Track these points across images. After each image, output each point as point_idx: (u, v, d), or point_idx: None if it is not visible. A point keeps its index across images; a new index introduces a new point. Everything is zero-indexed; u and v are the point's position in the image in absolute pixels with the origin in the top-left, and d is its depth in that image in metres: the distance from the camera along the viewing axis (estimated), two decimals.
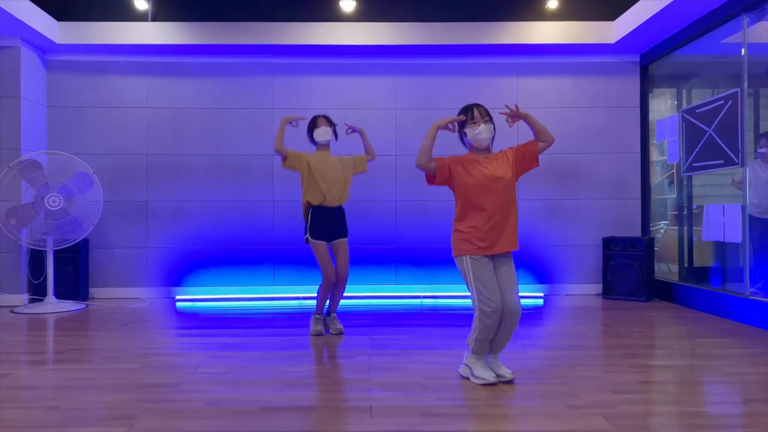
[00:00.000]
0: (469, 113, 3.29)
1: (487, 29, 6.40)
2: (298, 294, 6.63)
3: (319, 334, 4.52)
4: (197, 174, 6.69)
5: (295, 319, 5.31)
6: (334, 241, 4.55)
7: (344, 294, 4.80)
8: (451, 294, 6.58)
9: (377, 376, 3.37)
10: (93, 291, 6.56)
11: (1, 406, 2.86)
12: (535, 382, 3.25)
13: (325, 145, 4.66)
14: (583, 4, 6.45)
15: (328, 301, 4.65)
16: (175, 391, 3.08)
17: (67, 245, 5.90)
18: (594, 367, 3.57)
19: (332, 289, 4.56)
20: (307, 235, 4.51)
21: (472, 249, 3.22)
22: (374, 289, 6.63)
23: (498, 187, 3.24)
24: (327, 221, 4.51)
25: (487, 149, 3.36)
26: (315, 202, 4.51)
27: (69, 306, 5.83)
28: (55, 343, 4.34)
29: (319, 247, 4.48)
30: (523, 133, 6.79)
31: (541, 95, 6.81)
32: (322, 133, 4.60)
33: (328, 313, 4.67)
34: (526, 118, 3.31)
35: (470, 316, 5.34)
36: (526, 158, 3.36)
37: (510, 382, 3.21)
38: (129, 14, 6.38)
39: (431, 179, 3.38)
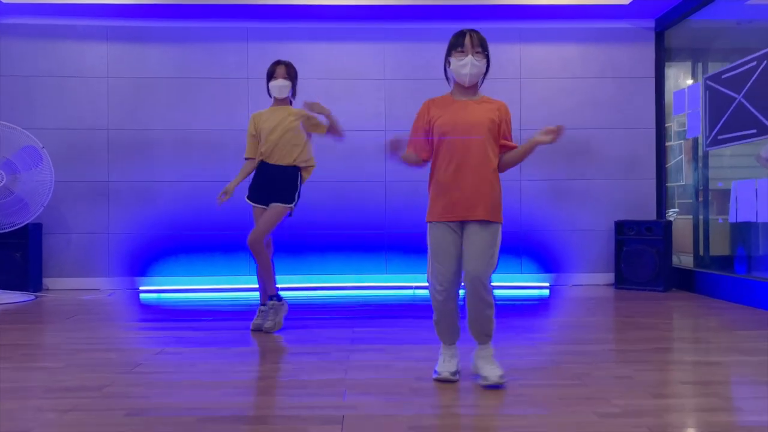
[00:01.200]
0: (460, 39, 2.63)
1: None
2: (278, 285, 5.95)
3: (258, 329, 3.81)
4: (165, 151, 6.01)
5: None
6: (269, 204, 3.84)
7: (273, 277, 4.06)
8: None
9: (356, 377, 2.71)
10: (47, 281, 5.87)
11: None
12: (552, 383, 2.59)
13: (282, 100, 3.96)
14: None
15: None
16: (95, 397, 2.41)
17: (12, 228, 5.21)
18: (619, 364, 2.93)
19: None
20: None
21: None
22: (361, 279, 5.97)
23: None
24: (265, 181, 3.82)
25: (473, 90, 2.70)
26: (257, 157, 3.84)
27: (14, 297, 5.15)
28: None
29: (254, 210, 3.85)
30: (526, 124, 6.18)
31: (545, 64, 6.15)
32: (278, 87, 3.90)
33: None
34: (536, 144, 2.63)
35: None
36: (500, 136, 2.69)
37: (497, 387, 2.50)
38: None
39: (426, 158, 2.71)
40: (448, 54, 2.66)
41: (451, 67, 2.65)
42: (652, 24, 6.14)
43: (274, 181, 3.79)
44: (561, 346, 3.40)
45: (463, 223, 2.59)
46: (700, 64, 6.06)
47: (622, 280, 5.76)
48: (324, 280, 5.97)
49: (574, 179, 6.14)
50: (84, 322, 4.13)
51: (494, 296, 2.59)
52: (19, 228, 5.26)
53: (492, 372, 2.52)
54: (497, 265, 2.59)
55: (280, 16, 5.93)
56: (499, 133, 2.67)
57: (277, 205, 3.78)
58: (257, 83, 5.97)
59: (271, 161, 3.80)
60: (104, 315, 4.49)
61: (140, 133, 6.00)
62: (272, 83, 3.90)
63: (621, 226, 5.80)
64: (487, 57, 2.66)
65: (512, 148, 2.70)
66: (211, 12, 5.83)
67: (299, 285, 5.91)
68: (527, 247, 6.07)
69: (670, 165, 6.24)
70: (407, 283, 5.95)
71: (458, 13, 5.91)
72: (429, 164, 2.72)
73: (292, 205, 3.84)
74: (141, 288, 5.91)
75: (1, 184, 5.01)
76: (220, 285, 5.96)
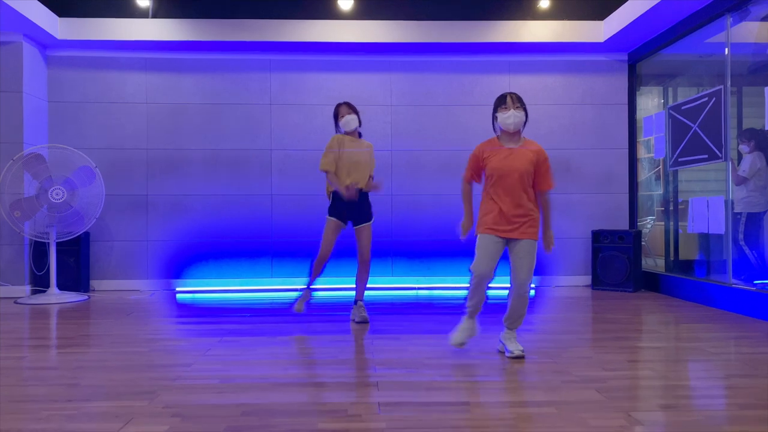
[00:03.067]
0: (502, 100, 3.51)
1: (481, 28, 6.58)
2: (295, 286, 6.77)
3: (297, 308, 4.69)
4: (196, 168, 6.82)
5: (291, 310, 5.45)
6: (357, 226, 4.67)
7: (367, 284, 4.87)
8: (445, 285, 6.77)
9: (379, 357, 3.53)
10: (93, 283, 6.67)
11: (27, 384, 2.99)
12: (531, 361, 3.43)
13: (352, 132, 4.73)
14: (574, 3, 6.65)
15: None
16: (189, 371, 3.23)
17: (70, 238, 6.01)
18: (584, 349, 3.76)
19: (358, 271, 4.74)
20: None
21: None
22: (370, 281, 6.76)
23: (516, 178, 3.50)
24: (347, 203, 4.56)
25: (516, 136, 3.54)
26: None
27: (71, 297, 5.93)
28: (63, 330, 4.46)
29: (330, 223, 4.60)
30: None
31: (532, 92, 7.00)
32: (349, 121, 4.67)
33: (355, 302, 4.80)
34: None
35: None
36: (536, 176, 3.54)
37: (518, 358, 3.45)
38: (130, 11, 6.49)
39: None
40: (495, 111, 3.54)
41: (498, 120, 3.50)
42: (625, 57, 7.00)
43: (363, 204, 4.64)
44: (539, 335, 4.23)
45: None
46: (667, 91, 6.93)
47: (598, 282, 6.61)
48: (339, 282, 6.79)
49: (556, 193, 6.92)
50: (143, 318, 4.93)
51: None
52: (73, 237, 6.05)
53: (516, 347, 3.52)
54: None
55: (299, 50, 6.75)
56: (536, 175, 3.52)
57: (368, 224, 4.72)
58: (278, 108, 6.81)
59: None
60: (155, 312, 5.29)
61: (174, 152, 6.80)
62: (342, 120, 4.65)
63: (597, 235, 6.65)
64: (525, 110, 3.51)
65: (546, 186, 3.56)
66: (238, 46, 6.64)
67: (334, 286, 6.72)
68: None
69: (644, 179, 7.10)
70: (411, 285, 6.79)
71: (456, 49, 6.75)
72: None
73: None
74: (177, 289, 6.71)
75: (63, 199, 5.80)
76: (244, 286, 6.77)
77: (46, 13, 6.13)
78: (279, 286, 6.80)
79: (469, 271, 3.52)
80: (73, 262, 6.33)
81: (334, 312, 5.28)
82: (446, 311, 5.26)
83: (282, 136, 6.87)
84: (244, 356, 3.57)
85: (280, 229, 6.85)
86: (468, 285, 3.56)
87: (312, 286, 4.78)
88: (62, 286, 6.19)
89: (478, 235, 3.51)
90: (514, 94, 3.52)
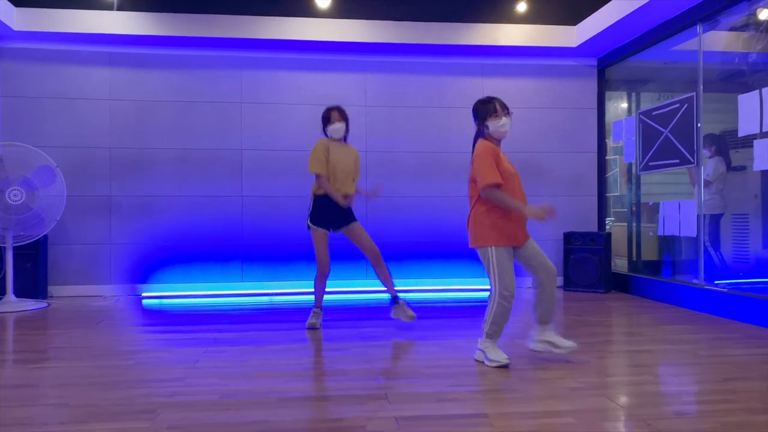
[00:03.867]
0: (491, 106, 3.43)
1: (456, 30, 6.57)
2: (267, 290, 6.61)
3: (312, 328, 4.56)
4: (163, 168, 6.54)
5: (269, 315, 5.30)
6: (346, 228, 4.58)
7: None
8: (422, 288, 6.74)
9: (378, 366, 3.45)
10: (52, 289, 6.31)
11: (9, 405, 2.76)
12: (531, 368, 3.41)
13: (340, 139, 4.66)
14: (548, 8, 6.72)
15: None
16: (184, 385, 3.06)
17: (28, 241, 5.66)
18: (580, 354, 3.78)
19: (376, 272, 4.64)
20: (308, 222, 4.54)
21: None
22: (343, 285, 6.68)
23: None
24: (332, 211, 4.52)
25: (499, 143, 3.52)
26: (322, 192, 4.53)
27: (30, 305, 5.59)
28: (30, 343, 4.17)
29: (317, 234, 4.51)
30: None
31: (504, 95, 7.01)
32: (338, 130, 4.58)
33: (396, 301, 4.68)
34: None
35: (444, 309, 5.50)
36: None
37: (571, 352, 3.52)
38: (93, 2, 6.16)
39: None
40: (485, 118, 3.47)
41: (491, 128, 3.44)
42: (594, 62, 7.13)
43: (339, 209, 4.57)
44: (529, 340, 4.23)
45: None
46: (634, 96, 7.11)
47: (570, 283, 6.71)
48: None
49: (528, 195, 7.00)
50: (116, 327, 4.68)
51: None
52: (31, 241, 5.70)
53: (565, 342, 3.50)
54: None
55: (272, 47, 6.57)
56: None
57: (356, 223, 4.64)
58: (250, 107, 6.62)
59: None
60: (126, 320, 5.03)
61: (140, 151, 6.51)
62: (331, 127, 4.55)
63: (569, 237, 6.75)
64: (510, 115, 3.54)
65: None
66: (209, 42, 6.41)
67: (290, 291, 6.58)
68: None
69: (616, 178, 7.26)
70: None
71: (431, 50, 6.72)
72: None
73: None
74: (143, 294, 6.43)
75: (22, 200, 5.45)
76: (214, 291, 6.55)
77: (2, 3, 5.74)
78: (250, 291, 6.61)
79: (498, 293, 3.37)
80: (30, 267, 5.97)
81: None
82: (427, 314, 5.22)
83: (254, 135, 6.68)
84: (237, 368, 3.42)
85: (252, 231, 6.66)
86: (494, 308, 3.41)
87: (321, 305, 4.69)
88: (19, 293, 5.83)
89: (495, 248, 3.38)
90: (500, 100, 3.49)
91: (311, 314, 4.64)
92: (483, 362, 3.50)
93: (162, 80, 6.55)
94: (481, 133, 3.55)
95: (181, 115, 6.57)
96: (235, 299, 6.29)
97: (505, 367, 3.38)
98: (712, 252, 6.16)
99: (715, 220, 6.19)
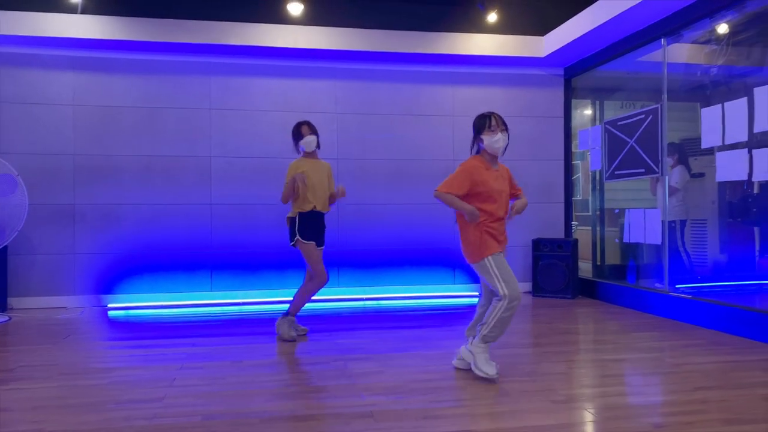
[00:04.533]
0: (487, 121, 3.48)
1: (426, 39, 6.61)
2: (236, 300, 6.53)
3: (292, 340, 4.55)
4: (129, 176, 6.39)
5: (240, 326, 5.24)
6: (320, 247, 4.66)
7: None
8: (396, 296, 6.76)
9: (361, 382, 3.44)
10: (11, 301, 6.09)
11: None
12: (512, 380, 3.46)
13: (312, 153, 4.69)
14: (517, 19, 6.83)
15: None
16: (164, 407, 2.99)
17: None
18: (554, 364, 3.85)
19: (302, 285, 4.70)
20: (297, 237, 4.55)
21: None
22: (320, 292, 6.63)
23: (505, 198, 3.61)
24: (317, 225, 4.64)
25: (496, 158, 3.56)
26: (307, 208, 4.57)
27: None
28: None
29: (312, 248, 4.58)
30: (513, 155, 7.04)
31: (474, 104, 7.12)
32: (310, 142, 4.63)
33: (288, 315, 4.70)
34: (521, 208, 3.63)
35: (416, 317, 5.51)
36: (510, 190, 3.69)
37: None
38: (56, 5, 5.97)
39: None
40: (479, 132, 3.51)
41: (486, 143, 3.47)
42: (561, 72, 7.27)
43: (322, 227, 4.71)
44: (502, 349, 4.29)
45: None
46: (601, 105, 7.28)
47: (538, 289, 6.83)
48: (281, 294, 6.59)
49: None
50: (84, 342, 4.55)
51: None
52: None
53: (486, 366, 3.48)
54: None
55: (242, 53, 6.49)
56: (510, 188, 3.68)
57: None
58: (219, 114, 6.52)
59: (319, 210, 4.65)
60: (94, 334, 4.89)
61: (105, 158, 6.34)
62: (304, 141, 4.60)
63: (537, 244, 6.87)
64: (508, 131, 3.54)
65: (516, 190, 3.73)
66: (176, 48, 6.29)
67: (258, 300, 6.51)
68: (459, 261, 7.00)
69: (581, 186, 7.42)
70: (358, 296, 6.71)
71: (401, 59, 6.74)
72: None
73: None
74: (108, 305, 6.26)
75: None
76: (182, 301, 6.42)
77: None
78: (219, 300, 6.51)
79: (508, 297, 3.40)
80: None
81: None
82: (401, 323, 5.23)
83: (223, 142, 6.59)
84: (216, 386, 3.36)
85: (220, 240, 6.56)
86: (499, 313, 3.41)
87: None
88: None
89: (491, 257, 3.46)
90: (498, 115, 3.54)
91: (289, 324, 4.61)
92: (466, 369, 3.56)
93: (128, 85, 6.40)
94: (476, 148, 3.60)
95: (147, 121, 6.43)
96: (204, 309, 6.18)
97: (491, 380, 3.41)
98: (685, 256, 6.38)
99: (682, 225, 6.41)
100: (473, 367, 3.49)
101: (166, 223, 6.46)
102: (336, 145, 6.79)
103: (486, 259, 3.46)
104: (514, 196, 3.71)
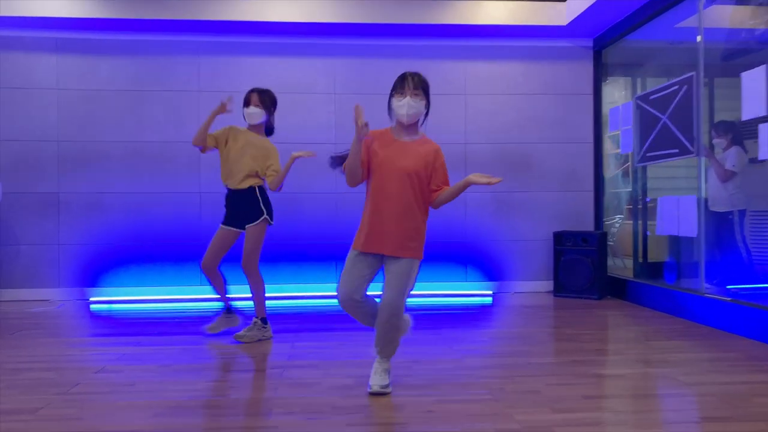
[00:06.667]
0: (401, 82, 2.82)
1: (432, 8, 5.95)
2: (228, 295, 6.07)
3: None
4: (115, 163, 6.06)
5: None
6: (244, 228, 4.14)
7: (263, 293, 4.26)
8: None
9: (285, 395, 2.88)
10: None
11: None
12: (465, 399, 2.80)
13: (257, 126, 4.14)
14: None
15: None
16: (28, 420, 2.53)
17: None
18: (534, 378, 3.15)
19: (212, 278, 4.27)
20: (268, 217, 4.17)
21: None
22: (311, 289, 6.13)
23: (404, 180, 2.82)
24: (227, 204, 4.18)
25: (413, 129, 2.90)
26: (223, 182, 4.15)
27: None
28: None
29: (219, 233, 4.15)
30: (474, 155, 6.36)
31: (489, 81, 6.39)
32: (251, 114, 4.09)
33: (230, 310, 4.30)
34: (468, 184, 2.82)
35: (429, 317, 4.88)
36: (431, 179, 2.90)
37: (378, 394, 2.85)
38: None
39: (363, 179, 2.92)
40: (391, 95, 2.86)
41: (392, 107, 2.83)
42: (590, 43, 6.43)
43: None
44: (485, 359, 3.61)
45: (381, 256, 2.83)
46: (635, 81, 6.37)
47: (560, 288, 6.04)
48: (274, 290, 6.10)
49: (516, 191, 6.39)
50: (28, 338, 4.20)
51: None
52: None
53: (377, 382, 2.88)
54: (408, 294, 2.81)
55: (232, 30, 6.03)
56: (431, 176, 2.86)
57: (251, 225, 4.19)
58: (209, 96, 6.09)
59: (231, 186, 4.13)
60: (51, 329, 4.55)
61: (90, 144, 6.03)
62: (246, 110, 4.09)
63: (560, 237, 6.08)
64: (427, 98, 2.85)
65: (442, 182, 2.92)
66: (163, 26, 5.90)
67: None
68: (472, 257, 6.31)
69: (613, 175, 6.54)
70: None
71: (406, 31, 6.10)
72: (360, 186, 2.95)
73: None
74: (91, 299, 5.96)
75: None
76: (170, 296, 6.04)
77: None
78: (209, 295, 6.07)
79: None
80: None
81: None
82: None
83: (214, 126, 6.12)
84: (112, 395, 2.88)
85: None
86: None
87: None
88: None
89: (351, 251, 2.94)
90: (418, 75, 2.86)
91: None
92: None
93: (113, 68, 6.07)
94: (389, 114, 2.96)
95: (133, 105, 6.08)
96: (194, 304, 5.78)
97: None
98: (745, 253, 5.39)
99: (741, 216, 5.42)
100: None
101: (153, 213, 6.10)
102: (333, 128, 6.24)
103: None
104: (435, 190, 2.91)
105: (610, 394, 2.92)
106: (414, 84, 2.81)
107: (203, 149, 4.10)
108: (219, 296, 4.31)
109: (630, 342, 4.07)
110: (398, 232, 2.82)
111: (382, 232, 2.82)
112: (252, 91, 4.10)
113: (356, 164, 2.78)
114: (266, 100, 4.11)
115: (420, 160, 2.85)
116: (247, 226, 4.09)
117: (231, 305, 4.35)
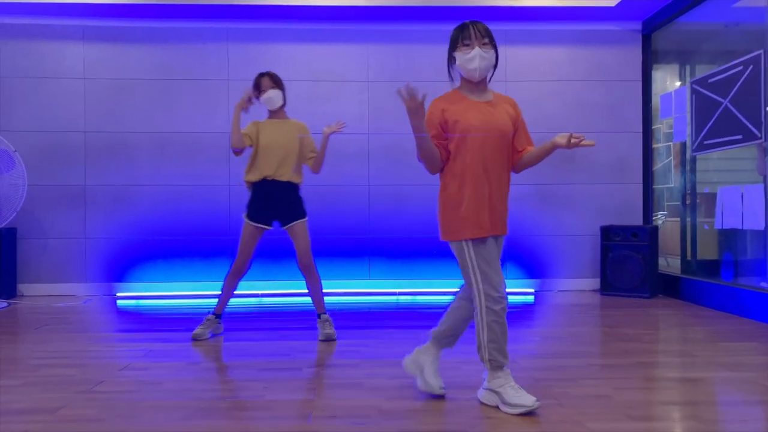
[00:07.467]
0: (463, 32, 2.50)
1: None
2: (259, 291, 5.86)
3: (199, 339, 3.76)
4: (143, 154, 5.88)
5: (247, 321, 4.54)
6: (288, 226, 3.80)
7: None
8: (430, 290, 5.85)
9: (325, 397, 2.60)
10: (22, 287, 5.74)
11: None
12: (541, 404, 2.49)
13: (278, 111, 3.88)
14: None
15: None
16: (47, 421, 2.30)
17: None
18: (600, 381, 2.83)
19: (307, 285, 3.86)
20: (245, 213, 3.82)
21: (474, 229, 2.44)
22: (343, 285, 5.86)
23: (499, 144, 2.49)
24: (271, 198, 3.78)
25: (483, 86, 2.57)
26: (258, 176, 3.78)
27: None
28: None
29: (246, 228, 3.81)
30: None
31: (532, 66, 6.06)
32: (272, 98, 3.80)
33: (318, 315, 3.88)
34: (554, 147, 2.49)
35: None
36: (514, 138, 2.58)
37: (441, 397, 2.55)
38: None
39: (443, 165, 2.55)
40: (452, 49, 2.53)
41: (458, 62, 2.51)
42: (639, 26, 6.06)
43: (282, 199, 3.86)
44: (541, 360, 3.30)
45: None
46: (687, 67, 5.97)
47: (608, 286, 5.67)
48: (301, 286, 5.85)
49: (560, 183, 6.05)
50: (52, 333, 4.00)
51: None
52: None
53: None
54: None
55: (262, 16, 5.81)
56: (515, 135, 2.58)
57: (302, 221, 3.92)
58: (237, 84, 5.87)
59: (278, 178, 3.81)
60: (76, 325, 4.36)
61: (118, 135, 5.86)
62: (264, 97, 3.78)
63: (607, 232, 5.71)
64: (495, 47, 2.53)
65: (526, 141, 2.64)
66: (191, 12, 5.70)
67: (279, 291, 5.81)
68: (512, 252, 5.98)
69: (658, 167, 6.15)
70: (390, 289, 5.86)
71: (443, 15, 5.81)
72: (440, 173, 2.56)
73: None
74: (118, 294, 5.78)
75: None
76: (198, 291, 5.83)
77: None
78: (239, 291, 5.83)
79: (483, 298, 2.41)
80: None
81: (284, 325, 4.35)
82: (430, 323, 4.33)
83: (243, 116, 5.91)
84: (138, 394, 2.64)
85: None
86: (481, 324, 2.42)
87: (220, 311, 3.90)
88: None
89: (471, 242, 2.43)
90: (480, 23, 2.50)
91: (207, 325, 3.85)
92: (498, 407, 2.44)
93: (141, 56, 5.89)
94: (450, 75, 2.63)
95: (162, 94, 5.89)
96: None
97: (529, 414, 2.36)
98: None
99: None
100: (503, 408, 2.41)
101: (182, 205, 5.90)
102: (366, 118, 5.96)
103: (463, 243, 2.47)
104: (521, 151, 2.59)
105: (690, 400, 2.58)
106: (480, 33, 2.49)
107: (241, 151, 3.78)
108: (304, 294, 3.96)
109: (698, 343, 3.71)
110: (503, 206, 2.52)
111: (493, 208, 2.47)
112: (261, 75, 3.81)
113: (428, 144, 2.43)
114: (278, 80, 3.84)
115: (508, 118, 2.53)
116: (294, 223, 3.81)
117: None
